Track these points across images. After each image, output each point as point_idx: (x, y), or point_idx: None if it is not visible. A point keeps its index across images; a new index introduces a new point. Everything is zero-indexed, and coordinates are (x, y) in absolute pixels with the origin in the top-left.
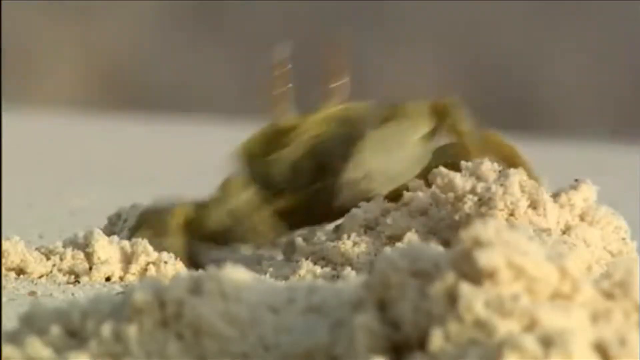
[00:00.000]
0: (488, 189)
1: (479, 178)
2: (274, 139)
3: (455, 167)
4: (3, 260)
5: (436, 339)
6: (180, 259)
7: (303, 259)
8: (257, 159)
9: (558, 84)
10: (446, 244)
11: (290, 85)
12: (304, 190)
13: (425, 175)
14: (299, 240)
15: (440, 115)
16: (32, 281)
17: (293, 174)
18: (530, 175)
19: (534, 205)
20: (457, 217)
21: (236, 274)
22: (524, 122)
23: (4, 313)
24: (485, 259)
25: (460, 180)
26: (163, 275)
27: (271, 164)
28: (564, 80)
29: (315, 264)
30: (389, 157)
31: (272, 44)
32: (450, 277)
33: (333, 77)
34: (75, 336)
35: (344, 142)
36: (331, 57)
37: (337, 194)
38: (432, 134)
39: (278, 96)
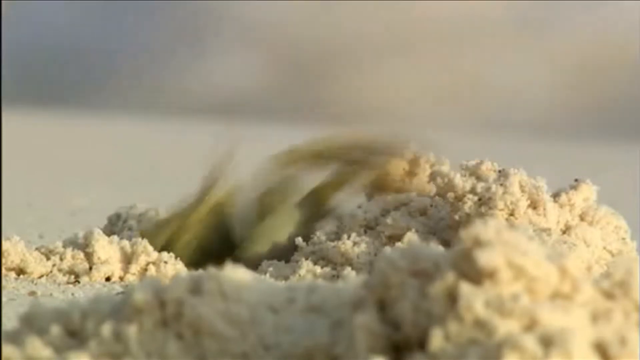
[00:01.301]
0: (488, 189)
1: (479, 178)
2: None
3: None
4: (3, 260)
5: (436, 339)
6: None
7: (303, 259)
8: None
9: None
10: (446, 244)
11: None
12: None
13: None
14: (299, 240)
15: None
16: (32, 281)
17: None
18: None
19: (534, 205)
20: (457, 217)
21: (236, 274)
22: None
23: (4, 313)
24: (485, 258)
25: (460, 180)
26: (163, 275)
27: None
28: None
29: (315, 264)
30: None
31: None
32: (450, 277)
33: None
34: (75, 336)
35: (224, 232)
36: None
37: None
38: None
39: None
